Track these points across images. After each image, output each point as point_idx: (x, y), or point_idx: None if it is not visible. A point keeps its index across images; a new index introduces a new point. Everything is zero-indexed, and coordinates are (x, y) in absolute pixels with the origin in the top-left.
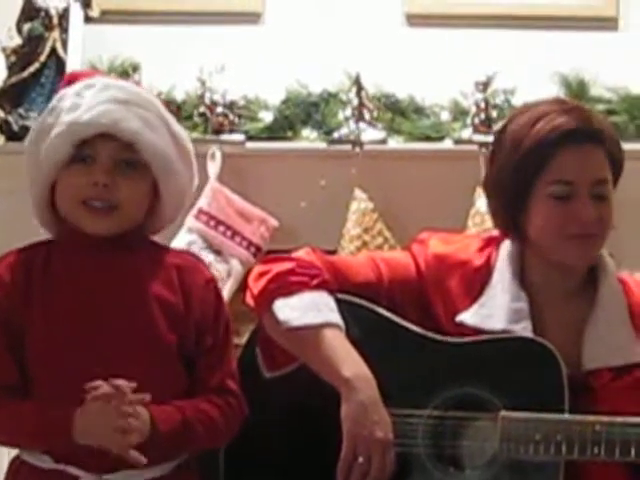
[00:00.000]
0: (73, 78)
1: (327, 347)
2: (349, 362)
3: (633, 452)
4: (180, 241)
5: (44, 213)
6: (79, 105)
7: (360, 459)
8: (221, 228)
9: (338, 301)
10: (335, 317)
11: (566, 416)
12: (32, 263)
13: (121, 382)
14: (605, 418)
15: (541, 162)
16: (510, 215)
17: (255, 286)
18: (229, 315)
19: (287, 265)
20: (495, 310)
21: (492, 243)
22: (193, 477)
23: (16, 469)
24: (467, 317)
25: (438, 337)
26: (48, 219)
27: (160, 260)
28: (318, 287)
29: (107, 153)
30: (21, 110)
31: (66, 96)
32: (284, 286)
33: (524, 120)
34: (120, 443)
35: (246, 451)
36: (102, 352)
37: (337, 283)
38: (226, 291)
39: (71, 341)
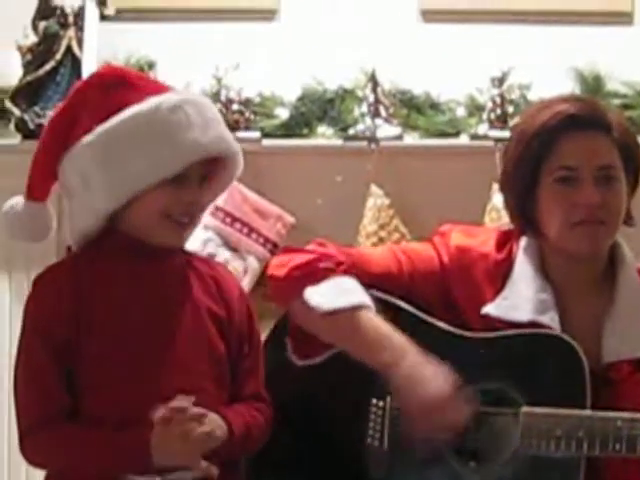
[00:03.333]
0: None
1: (365, 329)
2: (392, 341)
3: None
4: (197, 239)
5: (97, 221)
6: (191, 124)
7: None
8: (237, 225)
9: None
10: (367, 299)
11: (587, 412)
12: (87, 273)
13: (178, 403)
14: (627, 414)
15: (544, 149)
16: (522, 209)
17: (278, 277)
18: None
19: (310, 255)
20: (520, 302)
21: (513, 236)
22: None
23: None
24: (492, 309)
25: (461, 332)
26: (96, 227)
27: (198, 269)
28: (344, 273)
29: (198, 172)
30: (37, 108)
31: (167, 108)
32: (312, 273)
33: (530, 112)
34: (193, 459)
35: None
36: (164, 365)
37: (357, 275)
38: (245, 286)
39: (135, 357)
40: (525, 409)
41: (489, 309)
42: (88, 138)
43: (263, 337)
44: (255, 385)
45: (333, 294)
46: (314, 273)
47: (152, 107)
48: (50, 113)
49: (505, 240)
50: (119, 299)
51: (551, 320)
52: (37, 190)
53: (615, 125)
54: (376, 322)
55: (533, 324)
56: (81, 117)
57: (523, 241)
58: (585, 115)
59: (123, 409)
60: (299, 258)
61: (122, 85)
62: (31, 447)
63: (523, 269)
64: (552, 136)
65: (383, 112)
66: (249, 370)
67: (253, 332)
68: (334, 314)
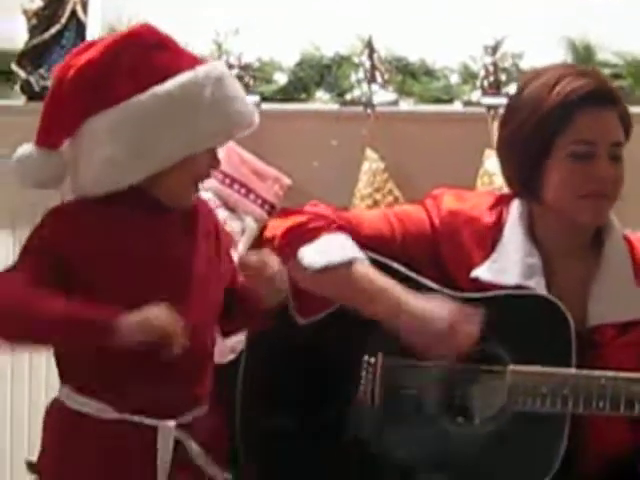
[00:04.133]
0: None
1: (361, 282)
2: (396, 290)
3: (637, 407)
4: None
5: (122, 184)
6: (236, 97)
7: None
8: (235, 186)
9: None
10: (359, 253)
11: (573, 371)
12: (100, 216)
13: None
14: (610, 373)
15: (562, 122)
16: (526, 175)
17: (274, 239)
18: None
19: (303, 216)
20: (508, 265)
21: (503, 201)
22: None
23: (73, 422)
24: (481, 272)
25: (452, 292)
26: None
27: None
28: (337, 230)
29: None
30: (42, 71)
31: (219, 78)
32: (304, 233)
33: (542, 82)
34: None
35: (262, 407)
36: (176, 293)
37: (353, 235)
38: (240, 248)
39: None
40: (512, 367)
41: (478, 272)
42: (136, 100)
43: None
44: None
45: (325, 251)
46: (306, 233)
47: (201, 77)
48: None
49: (496, 204)
50: (131, 246)
51: (537, 284)
52: (52, 138)
53: (621, 100)
54: (371, 274)
55: (520, 287)
56: (112, 77)
57: (514, 205)
58: (602, 91)
59: (147, 362)
60: (292, 220)
61: (163, 48)
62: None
63: (513, 233)
64: (570, 110)
65: (379, 78)
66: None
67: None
68: (327, 270)
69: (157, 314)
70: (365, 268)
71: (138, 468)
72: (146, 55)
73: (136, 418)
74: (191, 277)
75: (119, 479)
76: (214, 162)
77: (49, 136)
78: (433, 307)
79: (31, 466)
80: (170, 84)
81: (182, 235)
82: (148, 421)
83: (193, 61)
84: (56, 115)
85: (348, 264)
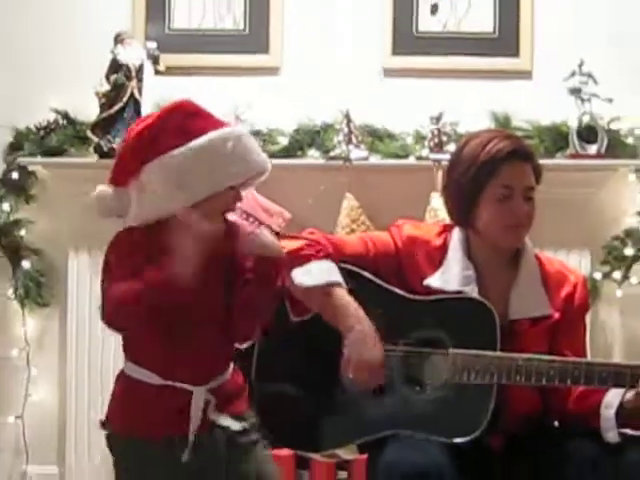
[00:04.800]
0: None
1: (333, 302)
2: (351, 313)
3: (544, 380)
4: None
5: (169, 212)
6: (250, 149)
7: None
8: (250, 219)
9: (340, 268)
10: (338, 277)
11: (498, 353)
12: (149, 237)
13: None
14: (525, 355)
15: (491, 173)
16: (464, 211)
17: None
18: None
19: (299, 243)
20: (451, 276)
21: (447, 229)
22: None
23: (127, 386)
24: (431, 281)
25: (409, 295)
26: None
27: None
28: (323, 257)
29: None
30: (109, 137)
31: (217, 137)
32: (297, 258)
33: (476, 143)
34: None
35: (275, 381)
36: (207, 314)
37: (336, 254)
38: None
39: (189, 309)
40: (453, 350)
41: (429, 281)
42: (179, 151)
43: None
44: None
45: (312, 273)
46: (300, 258)
47: (225, 134)
48: (118, 140)
49: (442, 232)
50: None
51: (472, 290)
52: (121, 178)
53: (534, 156)
54: (343, 297)
55: (459, 292)
56: (162, 135)
57: (455, 232)
58: (520, 150)
59: (185, 342)
60: (293, 245)
61: (198, 115)
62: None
63: (454, 253)
64: (497, 164)
65: (354, 140)
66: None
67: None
68: (312, 289)
69: None
70: (338, 290)
71: (176, 421)
72: (185, 120)
73: (177, 384)
74: (211, 285)
75: (161, 430)
76: (237, 198)
77: (119, 177)
78: (373, 342)
79: (102, 424)
80: (202, 140)
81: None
82: (185, 386)
83: (220, 124)
84: (124, 163)
85: (326, 286)
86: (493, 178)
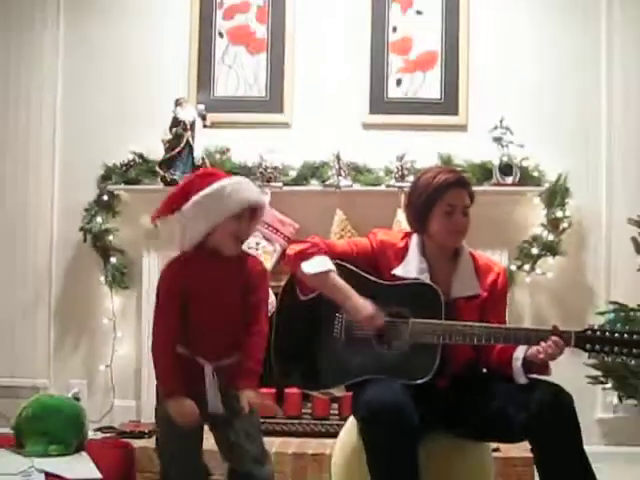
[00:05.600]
0: (216, 174)
1: (331, 283)
2: (345, 289)
3: (475, 340)
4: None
5: (198, 238)
6: (241, 189)
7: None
8: (271, 229)
9: (334, 263)
10: (332, 267)
11: (443, 321)
12: (190, 263)
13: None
14: (461, 323)
15: (439, 196)
16: (420, 223)
17: (289, 256)
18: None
19: (305, 244)
20: (411, 268)
21: (408, 235)
22: None
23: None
24: (397, 271)
25: (380, 281)
26: (197, 241)
27: (242, 261)
28: (322, 254)
29: (248, 214)
30: (171, 171)
31: (227, 184)
32: (304, 255)
33: (428, 175)
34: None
35: (286, 339)
36: (221, 315)
37: (330, 253)
38: (274, 260)
39: (213, 305)
40: (412, 320)
41: (396, 271)
42: (196, 198)
43: (282, 284)
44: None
45: (315, 265)
46: (306, 255)
47: (226, 182)
48: (179, 174)
49: (404, 237)
50: (205, 276)
51: (425, 277)
52: (165, 212)
53: (469, 184)
54: (337, 279)
55: (417, 279)
56: (192, 189)
57: (414, 237)
58: (460, 180)
59: (205, 332)
60: (300, 247)
61: (212, 175)
62: (153, 350)
63: (413, 252)
64: (444, 190)
65: (343, 173)
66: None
67: (261, 291)
68: (315, 275)
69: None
70: (334, 275)
71: (199, 387)
72: (202, 179)
73: (200, 360)
74: (229, 292)
75: (191, 392)
76: (243, 225)
77: (164, 211)
78: (364, 304)
79: None
80: (210, 188)
81: (231, 270)
82: (201, 361)
83: (225, 176)
84: (169, 203)
85: (326, 272)
86: (440, 200)
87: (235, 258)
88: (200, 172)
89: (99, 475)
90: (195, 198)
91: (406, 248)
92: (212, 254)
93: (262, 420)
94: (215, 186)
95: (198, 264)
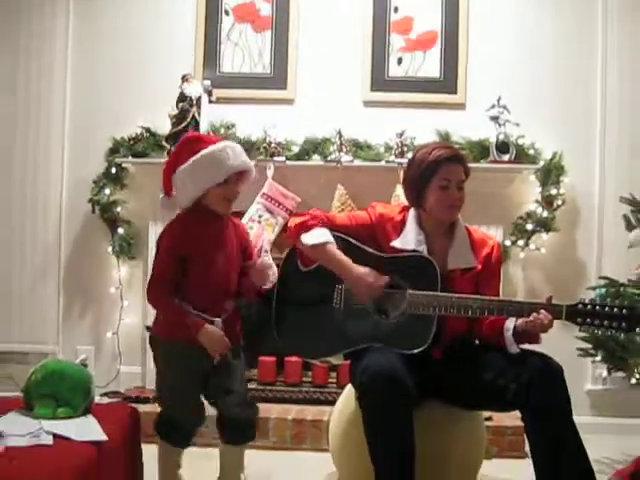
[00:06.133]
0: (201, 137)
1: (329, 254)
2: (343, 259)
3: (470, 312)
4: (253, 207)
5: (191, 201)
6: (229, 157)
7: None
8: (273, 202)
9: (334, 236)
10: (330, 238)
11: (439, 293)
12: (189, 223)
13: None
14: (457, 295)
15: (435, 170)
16: (416, 197)
17: (290, 228)
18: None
19: (306, 217)
20: (409, 240)
21: (405, 209)
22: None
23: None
24: (396, 243)
25: (379, 253)
26: (190, 203)
27: (233, 223)
28: (321, 226)
29: (235, 177)
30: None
31: (217, 151)
32: (304, 227)
33: (424, 151)
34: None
35: (287, 309)
36: (223, 266)
37: (332, 226)
38: (276, 231)
39: (213, 262)
40: (409, 291)
41: (394, 243)
42: (184, 165)
43: (283, 255)
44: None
45: (314, 236)
46: (306, 227)
47: (210, 150)
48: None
49: (402, 210)
50: (202, 238)
51: (423, 249)
52: (167, 187)
53: (464, 160)
54: (335, 250)
55: (415, 251)
56: (180, 157)
57: (411, 211)
58: (455, 155)
59: (202, 293)
60: (300, 219)
61: (199, 140)
62: (151, 294)
63: (410, 224)
64: (439, 165)
65: (344, 149)
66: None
67: (249, 246)
68: (315, 246)
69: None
70: (333, 247)
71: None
72: (191, 145)
73: (206, 316)
74: (228, 250)
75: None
76: (230, 188)
77: (166, 186)
78: (364, 272)
79: (148, 328)
80: (197, 156)
81: (226, 230)
82: (207, 317)
83: (210, 142)
84: (166, 176)
85: (325, 244)
86: (436, 174)
87: (227, 218)
88: (185, 138)
89: (105, 437)
90: (182, 166)
91: (404, 221)
92: (207, 214)
93: (262, 387)
94: (202, 154)
95: (195, 223)
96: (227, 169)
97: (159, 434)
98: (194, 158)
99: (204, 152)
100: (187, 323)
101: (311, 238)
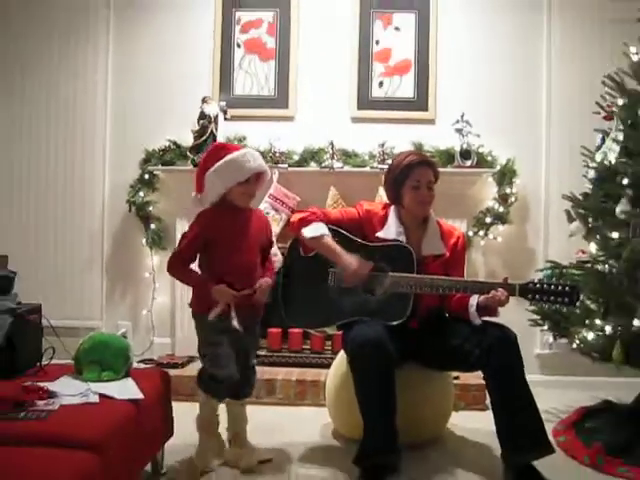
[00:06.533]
0: (226, 146)
1: (325, 244)
2: (337, 249)
3: (441, 290)
4: (263, 204)
5: (218, 196)
6: (249, 160)
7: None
8: (278, 201)
9: (329, 228)
10: (326, 231)
11: (415, 275)
12: (216, 214)
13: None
14: (429, 277)
15: (407, 174)
16: (395, 196)
17: (293, 222)
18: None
19: (305, 214)
20: (391, 231)
21: (387, 206)
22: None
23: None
24: (380, 234)
25: (367, 243)
26: (217, 199)
27: (255, 214)
28: (319, 221)
29: (254, 178)
30: (199, 155)
31: (240, 155)
32: (305, 222)
33: (400, 158)
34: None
35: (290, 288)
36: (244, 250)
37: (325, 220)
38: (280, 226)
39: (235, 246)
40: (391, 274)
41: (379, 234)
42: (213, 168)
43: (287, 245)
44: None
45: (312, 230)
46: (306, 222)
47: (234, 155)
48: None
49: (384, 207)
50: (227, 226)
51: (403, 239)
52: (198, 186)
53: (433, 164)
54: (330, 241)
55: (396, 240)
56: (209, 161)
57: (392, 208)
58: (424, 160)
59: (227, 269)
60: (301, 215)
61: (224, 148)
62: (170, 264)
63: (392, 219)
64: (411, 168)
65: (336, 157)
66: (269, 248)
67: (271, 238)
68: (313, 238)
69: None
70: (329, 239)
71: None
72: (217, 152)
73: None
74: (249, 237)
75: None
76: (247, 188)
77: (198, 186)
78: (352, 260)
79: (190, 304)
80: (222, 161)
81: (248, 221)
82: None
83: (234, 148)
84: (197, 177)
85: (322, 236)
86: (409, 177)
87: (249, 210)
88: (213, 147)
89: (142, 396)
90: (212, 169)
91: (386, 216)
92: (231, 207)
93: (271, 354)
94: (226, 159)
95: (220, 215)
96: (248, 170)
97: (200, 388)
98: (221, 162)
99: (229, 157)
100: (200, 285)
101: (310, 231)
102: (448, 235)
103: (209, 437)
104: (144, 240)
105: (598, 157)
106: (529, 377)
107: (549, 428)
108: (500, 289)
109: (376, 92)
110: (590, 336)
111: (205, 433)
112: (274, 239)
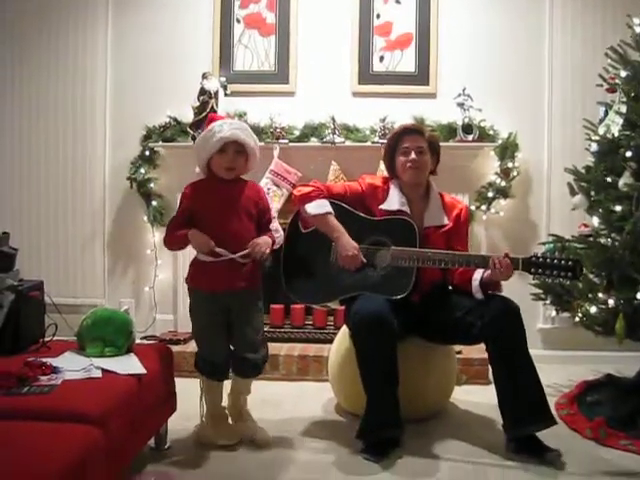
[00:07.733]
0: (214, 117)
1: (328, 223)
2: (338, 229)
3: (442, 264)
4: (263, 181)
5: (204, 169)
6: (223, 129)
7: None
8: (279, 176)
9: (331, 203)
10: (330, 209)
11: (417, 249)
12: (200, 187)
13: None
14: (432, 250)
15: (397, 141)
16: (390, 165)
17: (295, 197)
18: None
19: (308, 189)
20: (394, 202)
21: (389, 179)
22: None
23: (195, 264)
24: (383, 206)
25: (369, 217)
26: (205, 171)
27: (247, 185)
28: (322, 197)
29: (232, 149)
30: (199, 131)
31: (216, 125)
32: (307, 198)
33: (393, 130)
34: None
35: (292, 264)
36: (234, 222)
37: (328, 194)
38: (282, 201)
39: (219, 216)
40: (393, 248)
41: (382, 206)
42: (203, 134)
43: (289, 220)
44: (268, 221)
45: (316, 207)
46: (309, 198)
47: (211, 125)
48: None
49: (385, 180)
50: (211, 197)
51: (406, 209)
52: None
53: (425, 131)
54: (333, 220)
55: (399, 211)
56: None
57: (393, 181)
58: (412, 127)
59: (217, 239)
60: (303, 190)
61: (212, 120)
62: (164, 239)
63: (393, 191)
64: (400, 135)
65: (337, 132)
66: (267, 219)
67: (267, 208)
68: (316, 216)
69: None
70: (331, 217)
71: (218, 283)
72: (210, 122)
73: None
74: (237, 207)
75: (210, 287)
76: (225, 158)
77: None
78: (348, 243)
79: (186, 280)
80: (211, 126)
81: (236, 192)
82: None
83: (218, 119)
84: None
85: (324, 214)
86: (398, 144)
87: (240, 182)
88: (207, 120)
89: (144, 371)
90: (198, 140)
91: (387, 189)
92: (216, 180)
93: (273, 329)
94: (208, 128)
95: (204, 187)
96: (219, 139)
97: (198, 370)
98: (205, 131)
99: (209, 127)
100: (180, 240)
101: (314, 208)
102: (451, 207)
103: (215, 422)
104: (145, 217)
105: (601, 130)
106: (531, 351)
107: (552, 402)
108: (503, 261)
109: (377, 66)
110: (593, 310)
111: (211, 418)
112: (275, 214)
